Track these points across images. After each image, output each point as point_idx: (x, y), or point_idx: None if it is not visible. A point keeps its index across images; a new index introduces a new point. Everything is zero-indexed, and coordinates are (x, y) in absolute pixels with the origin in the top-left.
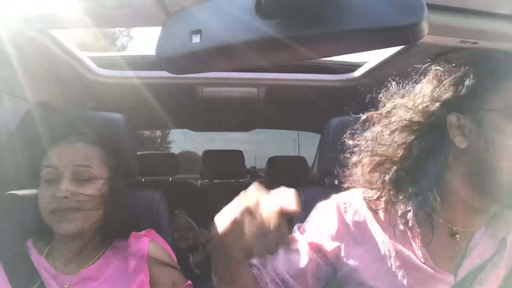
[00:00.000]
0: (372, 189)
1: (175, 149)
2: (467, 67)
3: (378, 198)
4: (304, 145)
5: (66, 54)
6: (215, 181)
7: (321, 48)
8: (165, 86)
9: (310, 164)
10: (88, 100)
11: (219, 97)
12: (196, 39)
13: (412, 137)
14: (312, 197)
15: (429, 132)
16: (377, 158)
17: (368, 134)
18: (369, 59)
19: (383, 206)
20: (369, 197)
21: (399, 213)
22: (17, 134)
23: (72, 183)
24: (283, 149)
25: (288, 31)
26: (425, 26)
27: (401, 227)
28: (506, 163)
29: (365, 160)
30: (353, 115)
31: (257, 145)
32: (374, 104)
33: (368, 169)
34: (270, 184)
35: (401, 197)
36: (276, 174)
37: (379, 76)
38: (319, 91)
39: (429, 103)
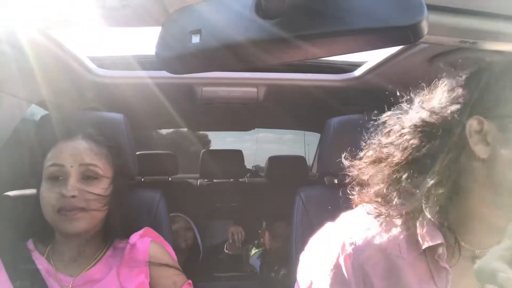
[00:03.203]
0: (380, 202)
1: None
2: (495, 69)
3: (388, 214)
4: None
5: (66, 54)
6: (214, 180)
7: (321, 47)
8: (165, 86)
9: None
10: (87, 100)
11: (218, 97)
12: (195, 39)
13: (422, 140)
14: (311, 197)
15: (443, 137)
16: (381, 161)
17: (378, 134)
18: (369, 58)
19: (402, 237)
20: (378, 215)
21: (423, 246)
22: (18, 134)
23: (79, 181)
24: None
25: (288, 31)
26: (425, 26)
27: (423, 263)
28: None
29: (370, 165)
30: (355, 114)
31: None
32: (374, 104)
33: (371, 173)
34: (270, 183)
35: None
36: (276, 173)
37: (379, 76)
38: (319, 91)
39: (447, 103)
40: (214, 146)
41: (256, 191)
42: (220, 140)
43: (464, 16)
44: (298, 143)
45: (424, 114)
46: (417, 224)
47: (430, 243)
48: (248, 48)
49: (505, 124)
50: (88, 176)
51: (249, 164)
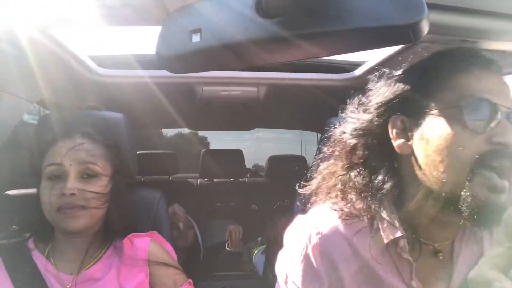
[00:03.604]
0: (338, 200)
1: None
2: (411, 67)
3: (349, 211)
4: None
5: (66, 53)
6: (214, 180)
7: (321, 47)
8: (165, 85)
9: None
10: (87, 99)
11: (219, 96)
12: (196, 38)
13: (359, 142)
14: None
15: (374, 137)
16: (329, 163)
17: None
18: (370, 58)
19: (361, 228)
20: (339, 210)
21: (385, 240)
22: (17, 133)
23: (78, 180)
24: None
25: (288, 30)
26: (425, 25)
27: (387, 256)
28: (452, 172)
29: (323, 166)
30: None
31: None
32: None
33: (323, 175)
34: (270, 183)
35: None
36: (276, 173)
37: None
38: (319, 90)
39: (375, 105)
40: (213, 144)
41: (256, 191)
42: (218, 139)
43: (465, 15)
44: (298, 142)
45: (359, 117)
46: (378, 219)
47: (391, 237)
48: (249, 47)
49: (421, 120)
50: (87, 175)
51: (248, 163)
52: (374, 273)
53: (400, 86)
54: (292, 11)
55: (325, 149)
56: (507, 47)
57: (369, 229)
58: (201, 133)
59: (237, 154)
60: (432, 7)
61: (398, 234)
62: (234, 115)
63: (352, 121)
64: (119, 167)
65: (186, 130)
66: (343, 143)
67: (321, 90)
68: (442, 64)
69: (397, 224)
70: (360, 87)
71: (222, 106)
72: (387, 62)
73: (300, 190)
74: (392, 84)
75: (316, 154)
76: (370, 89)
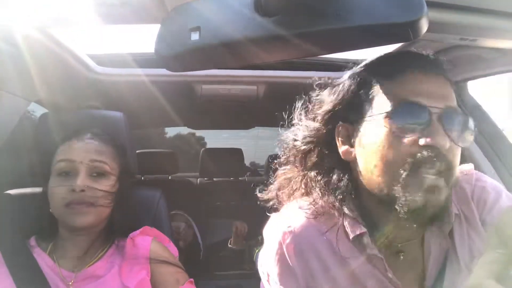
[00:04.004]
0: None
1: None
2: (352, 74)
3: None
4: None
5: (65, 52)
6: (214, 179)
7: (320, 45)
8: (164, 84)
9: None
10: (87, 98)
11: (218, 95)
12: (195, 36)
13: (311, 147)
14: None
15: (323, 143)
16: (286, 169)
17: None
18: (369, 56)
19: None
20: (307, 209)
21: (351, 236)
22: (17, 132)
23: (88, 178)
24: None
25: (287, 29)
26: (424, 23)
27: (355, 250)
28: (386, 175)
29: (280, 170)
30: None
31: None
32: None
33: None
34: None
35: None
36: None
37: None
38: None
39: (324, 112)
40: (209, 143)
41: (256, 190)
42: (214, 138)
43: (464, 13)
44: None
45: (308, 125)
46: (343, 215)
47: (353, 234)
48: (248, 45)
49: (361, 126)
50: (97, 173)
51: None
52: (349, 267)
53: (343, 94)
54: (291, 9)
55: (280, 155)
56: (506, 45)
57: (337, 225)
58: (198, 133)
59: (237, 153)
60: (431, 5)
61: (360, 231)
62: (233, 114)
63: (302, 129)
64: (125, 167)
65: (183, 131)
66: (296, 150)
67: None
68: (379, 70)
69: (358, 221)
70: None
71: (222, 105)
72: None
73: (259, 195)
74: (336, 92)
75: None
76: (317, 97)
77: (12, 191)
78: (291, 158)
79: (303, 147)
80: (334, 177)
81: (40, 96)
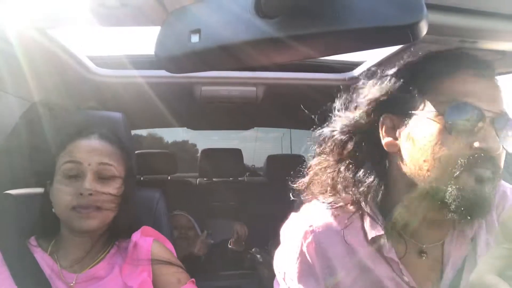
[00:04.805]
0: (328, 193)
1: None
2: (402, 67)
3: (339, 203)
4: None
5: (65, 53)
6: (213, 179)
7: (320, 47)
8: (164, 85)
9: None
10: (86, 98)
11: (218, 96)
12: (195, 38)
13: (348, 138)
14: None
15: (362, 133)
16: (321, 159)
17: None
18: (368, 58)
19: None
20: (331, 204)
21: (369, 236)
22: (17, 133)
23: (95, 181)
24: None
25: (287, 30)
26: (424, 25)
27: (373, 251)
28: (436, 171)
29: (314, 161)
30: None
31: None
32: None
33: (315, 170)
34: (269, 182)
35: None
36: (275, 172)
37: None
38: (318, 90)
39: (365, 102)
40: (200, 144)
41: (255, 190)
42: (205, 139)
43: (463, 16)
44: (285, 141)
45: (348, 115)
46: (364, 214)
47: (371, 234)
48: (248, 47)
49: (409, 120)
50: (104, 176)
51: None
52: (368, 268)
53: (390, 85)
54: (291, 11)
55: (315, 147)
56: (506, 47)
57: (359, 223)
58: (191, 141)
59: (236, 153)
60: (431, 7)
61: (378, 232)
62: (233, 115)
63: (341, 120)
64: (130, 169)
65: (178, 139)
66: (333, 139)
67: (320, 90)
68: (430, 67)
69: (379, 221)
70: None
71: (221, 106)
72: (386, 62)
73: (293, 186)
74: (383, 83)
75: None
76: (362, 87)
77: (12, 191)
78: (327, 149)
79: (340, 137)
80: (361, 171)
81: (39, 97)
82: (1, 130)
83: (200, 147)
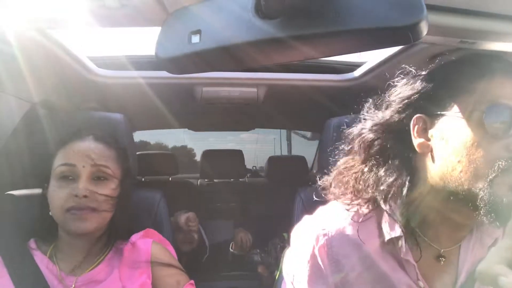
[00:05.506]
0: (349, 194)
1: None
2: (435, 68)
3: (358, 204)
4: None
5: (65, 54)
6: (215, 180)
7: (320, 48)
8: (165, 86)
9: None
10: (87, 99)
11: (218, 97)
12: (195, 39)
13: (376, 137)
14: (311, 197)
15: (391, 133)
16: (347, 158)
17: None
18: (369, 59)
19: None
20: (348, 207)
21: (386, 238)
22: (17, 134)
23: (90, 182)
24: None
25: (287, 31)
26: (424, 26)
27: (388, 254)
28: (470, 173)
29: (341, 161)
30: (352, 114)
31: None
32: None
33: (339, 170)
34: (270, 183)
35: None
36: (276, 173)
37: (379, 76)
38: (318, 91)
39: (396, 102)
40: (197, 147)
41: (256, 191)
42: (201, 140)
43: (463, 16)
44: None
45: (378, 114)
46: (383, 216)
47: (389, 236)
48: (248, 48)
49: (442, 121)
50: (99, 177)
51: None
52: (381, 272)
53: (423, 85)
54: (291, 12)
55: (343, 146)
56: (506, 48)
57: (375, 225)
58: (189, 146)
59: (237, 155)
60: (431, 8)
61: (396, 233)
62: (234, 116)
63: (370, 118)
64: (127, 170)
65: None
66: (362, 138)
67: (321, 91)
68: (466, 68)
69: (397, 223)
70: (359, 87)
71: (222, 107)
72: (386, 63)
73: (319, 183)
74: (416, 82)
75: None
76: (394, 86)
77: (11, 193)
78: (356, 148)
79: (369, 135)
80: (386, 168)
81: (39, 98)
82: (1, 131)
83: (197, 148)
